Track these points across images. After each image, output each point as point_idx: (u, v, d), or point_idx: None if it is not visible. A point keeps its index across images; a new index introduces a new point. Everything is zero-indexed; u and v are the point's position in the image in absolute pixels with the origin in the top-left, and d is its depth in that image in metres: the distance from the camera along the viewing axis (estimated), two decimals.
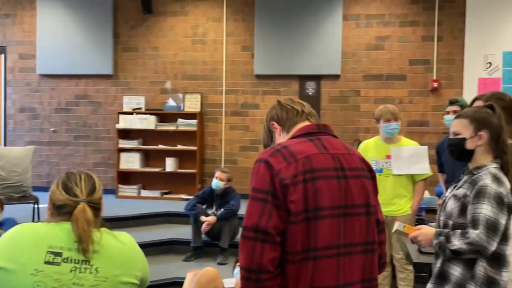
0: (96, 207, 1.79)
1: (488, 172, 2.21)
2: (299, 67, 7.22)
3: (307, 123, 1.79)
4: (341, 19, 7.13)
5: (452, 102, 3.86)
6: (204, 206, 5.49)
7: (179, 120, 7.36)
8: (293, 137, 1.75)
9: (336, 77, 7.19)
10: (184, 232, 5.72)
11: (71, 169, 6.16)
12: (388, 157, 4.01)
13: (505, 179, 2.21)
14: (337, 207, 1.62)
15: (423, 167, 3.99)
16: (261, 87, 7.40)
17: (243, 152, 7.43)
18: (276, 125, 1.82)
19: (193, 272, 2.97)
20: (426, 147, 4.07)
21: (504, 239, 2.17)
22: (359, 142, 6.65)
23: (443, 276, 2.24)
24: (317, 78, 7.24)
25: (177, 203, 6.70)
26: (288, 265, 1.58)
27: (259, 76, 7.38)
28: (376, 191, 1.79)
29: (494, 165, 2.25)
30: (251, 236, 1.57)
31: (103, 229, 1.80)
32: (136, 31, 7.71)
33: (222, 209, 5.35)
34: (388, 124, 3.96)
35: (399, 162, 3.95)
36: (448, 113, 3.90)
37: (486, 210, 2.12)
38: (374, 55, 7.13)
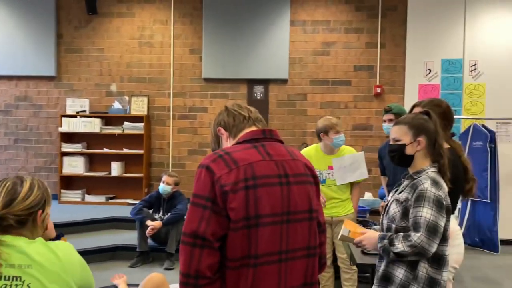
0: (20, 220, 1.69)
1: (427, 176, 2.27)
2: (247, 71, 7.26)
3: (253, 128, 1.79)
4: (289, 25, 7.20)
5: (387, 111, 3.90)
6: (151, 211, 5.44)
7: (125, 123, 7.26)
8: (238, 143, 1.75)
9: (283, 81, 7.27)
10: (130, 237, 5.63)
11: (10, 174, 5.94)
12: (330, 167, 4.09)
13: (442, 182, 2.29)
14: (280, 214, 1.63)
15: (362, 172, 4.11)
16: (210, 91, 7.40)
17: (191, 156, 7.38)
18: (222, 130, 1.83)
19: (121, 279, 2.86)
20: (362, 152, 4.20)
21: (443, 240, 2.24)
22: (306, 146, 6.86)
23: (387, 278, 2.28)
24: (265, 82, 7.30)
25: (123, 208, 6.62)
26: (227, 271, 1.59)
27: (207, 80, 7.38)
28: (318, 196, 1.83)
29: (432, 169, 2.32)
30: (189, 241, 1.57)
31: (38, 239, 1.72)
32: (80, 32, 7.53)
33: (168, 214, 5.31)
34: (338, 136, 4.00)
35: (341, 172, 4.04)
36: (384, 121, 3.97)
37: (426, 213, 2.18)
38: (320, 60, 7.25)
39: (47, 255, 1.68)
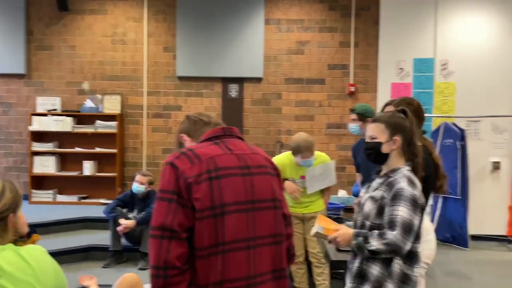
0: None
1: (403, 175, 2.29)
2: (222, 70, 7.23)
3: None
4: (263, 23, 7.19)
5: (351, 110, 3.94)
6: (125, 210, 5.36)
7: (98, 122, 7.16)
8: (200, 142, 1.84)
9: (258, 80, 7.26)
10: (103, 238, 5.56)
11: None
12: (303, 177, 4.16)
13: (417, 181, 2.31)
14: (244, 203, 1.71)
15: (330, 180, 4.21)
16: (184, 89, 7.35)
17: (165, 155, 7.28)
18: (185, 137, 1.94)
19: (92, 280, 2.78)
20: (333, 162, 4.27)
21: (416, 238, 2.27)
22: (281, 144, 7.03)
23: (362, 275, 2.30)
24: (240, 80, 7.28)
25: (96, 208, 6.52)
26: (197, 261, 1.64)
27: (181, 78, 7.33)
28: (281, 188, 1.90)
29: (407, 167, 2.34)
30: (157, 234, 1.62)
31: (9, 246, 1.66)
32: (51, 29, 7.39)
33: (142, 213, 5.27)
34: (305, 160, 4.03)
35: (312, 181, 4.12)
36: (350, 120, 4.01)
37: (402, 212, 2.20)
38: (295, 59, 7.26)
39: (18, 264, 1.62)
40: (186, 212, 1.63)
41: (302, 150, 3.94)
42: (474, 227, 6.70)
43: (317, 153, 4.14)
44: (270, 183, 1.81)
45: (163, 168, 1.70)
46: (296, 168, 4.14)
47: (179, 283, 1.62)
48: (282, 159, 4.17)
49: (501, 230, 6.79)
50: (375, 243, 2.21)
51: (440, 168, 2.69)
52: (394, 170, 2.33)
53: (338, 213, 5.39)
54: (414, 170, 2.35)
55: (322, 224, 2.42)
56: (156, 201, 1.68)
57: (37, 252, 1.69)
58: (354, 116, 3.86)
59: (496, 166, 6.96)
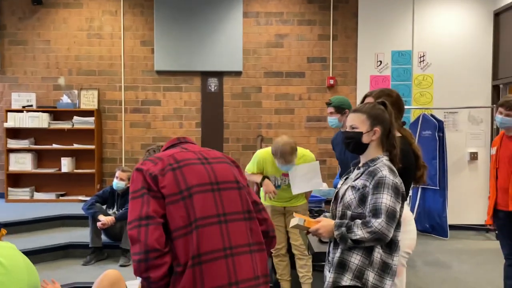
0: None
1: (383, 164, 2.32)
2: (201, 63, 7.16)
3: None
4: (242, 16, 7.15)
5: (328, 104, 3.90)
6: (104, 206, 5.33)
7: (75, 117, 7.06)
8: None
9: (238, 73, 7.23)
10: (82, 235, 5.49)
11: None
12: (285, 175, 4.11)
13: (395, 171, 2.35)
14: (209, 184, 1.88)
15: (318, 182, 4.11)
16: (162, 83, 7.28)
17: (144, 150, 7.24)
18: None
19: (54, 285, 2.53)
20: (317, 162, 4.18)
21: (397, 226, 2.29)
22: (262, 138, 7.06)
23: (342, 265, 2.30)
24: (219, 74, 7.24)
25: (75, 205, 6.42)
26: (175, 241, 1.77)
27: (160, 72, 7.25)
28: (243, 177, 2.06)
29: (386, 157, 2.38)
30: (135, 225, 1.74)
31: None
32: (25, 23, 7.24)
33: (122, 209, 5.23)
34: (284, 165, 3.98)
35: (297, 181, 4.04)
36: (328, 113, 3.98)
37: (386, 199, 2.22)
38: (274, 52, 7.25)
39: None
40: (158, 201, 1.78)
41: (282, 156, 3.89)
42: (452, 217, 6.80)
43: (301, 151, 4.09)
44: (230, 170, 1.98)
45: (131, 175, 1.87)
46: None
47: (161, 266, 1.72)
48: (263, 154, 4.14)
49: (479, 220, 6.88)
50: (359, 232, 2.22)
51: (420, 158, 2.72)
52: (373, 160, 2.36)
53: (320, 205, 5.19)
54: (391, 161, 2.38)
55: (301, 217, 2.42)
56: (129, 203, 1.82)
57: (8, 251, 1.62)
58: (331, 109, 3.83)
59: (473, 156, 7.06)
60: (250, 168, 4.16)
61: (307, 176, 4.05)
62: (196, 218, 1.79)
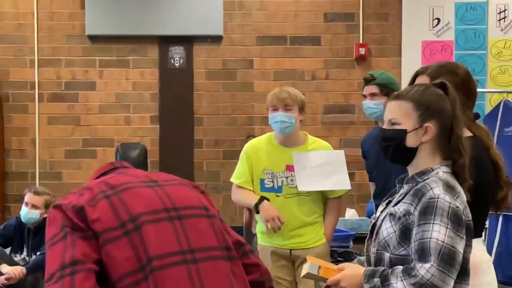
0: None
1: (438, 178, 1.94)
2: (158, 25, 5.93)
3: None
4: None
5: (367, 81, 3.50)
6: (8, 250, 4.79)
7: None
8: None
9: (216, 39, 6.00)
10: None
11: None
12: (290, 168, 3.55)
13: (459, 188, 1.95)
14: (163, 210, 1.63)
15: (341, 181, 3.60)
16: (99, 55, 5.98)
17: (71, 160, 5.96)
18: None
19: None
20: (342, 151, 3.82)
21: (462, 275, 1.90)
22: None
23: None
24: (187, 41, 6.00)
25: None
26: None
27: (94, 38, 5.93)
28: (212, 204, 1.84)
29: (445, 168, 1.97)
30: (56, 278, 1.48)
31: None
32: None
33: (37, 254, 4.55)
34: (273, 115, 3.49)
35: (305, 174, 3.54)
36: (365, 97, 3.53)
37: (439, 233, 1.86)
38: (272, 7, 5.97)
39: None
40: (89, 242, 1.53)
41: (269, 98, 3.54)
42: None
43: (318, 140, 3.73)
44: (191, 193, 1.76)
45: (48, 216, 1.66)
46: (279, 152, 3.54)
47: None
48: (255, 143, 3.73)
49: None
50: (399, 285, 1.85)
51: (502, 171, 2.24)
52: (424, 173, 1.95)
53: (346, 244, 4.64)
54: (456, 175, 1.93)
55: (316, 262, 2.17)
56: (46, 252, 1.58)
57: None
58: (373, 88, 3.35)
59: None
60: (238, 172, 3.63)
61: (323, 169, 3.55)
62: (150, 257, 1.50)
